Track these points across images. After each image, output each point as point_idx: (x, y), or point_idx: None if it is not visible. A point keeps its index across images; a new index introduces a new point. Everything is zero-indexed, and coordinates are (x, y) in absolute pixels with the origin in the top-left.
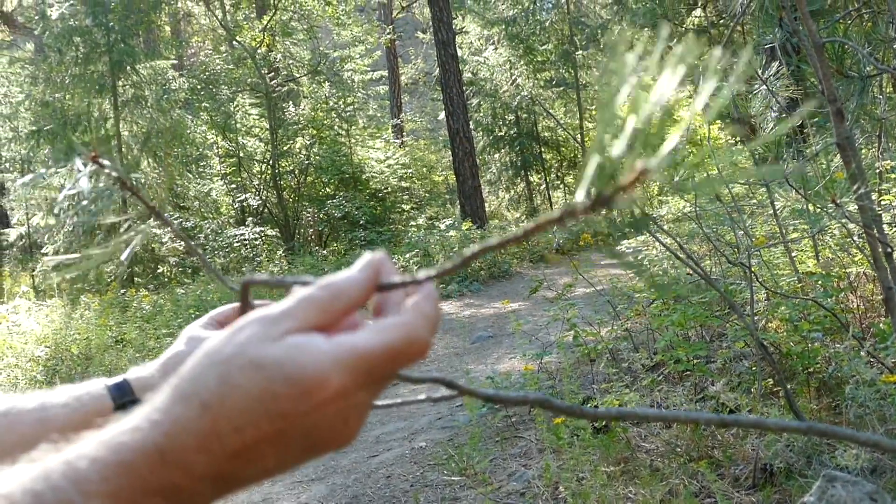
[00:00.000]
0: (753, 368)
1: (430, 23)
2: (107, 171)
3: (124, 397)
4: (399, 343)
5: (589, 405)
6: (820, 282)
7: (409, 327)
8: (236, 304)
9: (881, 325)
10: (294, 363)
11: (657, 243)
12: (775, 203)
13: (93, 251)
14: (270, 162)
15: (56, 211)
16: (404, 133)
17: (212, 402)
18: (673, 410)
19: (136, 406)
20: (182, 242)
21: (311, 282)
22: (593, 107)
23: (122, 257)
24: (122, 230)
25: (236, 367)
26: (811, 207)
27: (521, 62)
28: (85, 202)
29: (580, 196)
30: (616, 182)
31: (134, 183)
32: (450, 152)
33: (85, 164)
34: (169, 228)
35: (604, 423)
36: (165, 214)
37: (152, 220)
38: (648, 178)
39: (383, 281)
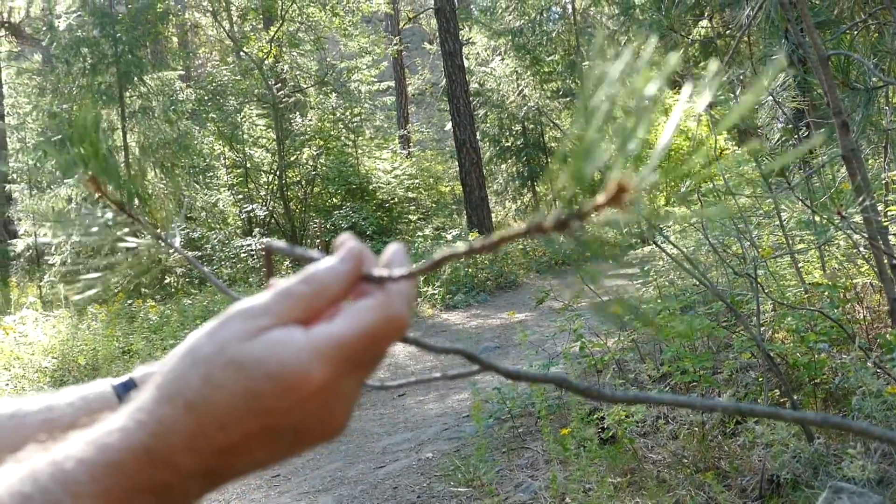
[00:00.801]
0: (760, 379)
1: (437, 34)
2: (108, 199)
3: (130, 394)
4: (377, 324)
5: (595, 416)
6: (826, 293)
7: (385, 306)
8: None
9: (887, 335)
10: (275, 360)
11: (663, 254)
12: (782, 214)
13: (92, 276)
14: (277, 172)
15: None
16: (411, 143)
17: (196, 401)
18: (688, 397)
19: None
20: (189, 253)
21: (321, 258)
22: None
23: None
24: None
25: (218, 367)
26: (817, 218)
27: (528, 73)
28: (86, 228)
29: (553, 213)
30: (590, 199)
31: (138, 203)
32: (456, 163)
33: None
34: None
35: (611, 433)
36: (174, 225)
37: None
38: (630, 197)
39: (364, 271)
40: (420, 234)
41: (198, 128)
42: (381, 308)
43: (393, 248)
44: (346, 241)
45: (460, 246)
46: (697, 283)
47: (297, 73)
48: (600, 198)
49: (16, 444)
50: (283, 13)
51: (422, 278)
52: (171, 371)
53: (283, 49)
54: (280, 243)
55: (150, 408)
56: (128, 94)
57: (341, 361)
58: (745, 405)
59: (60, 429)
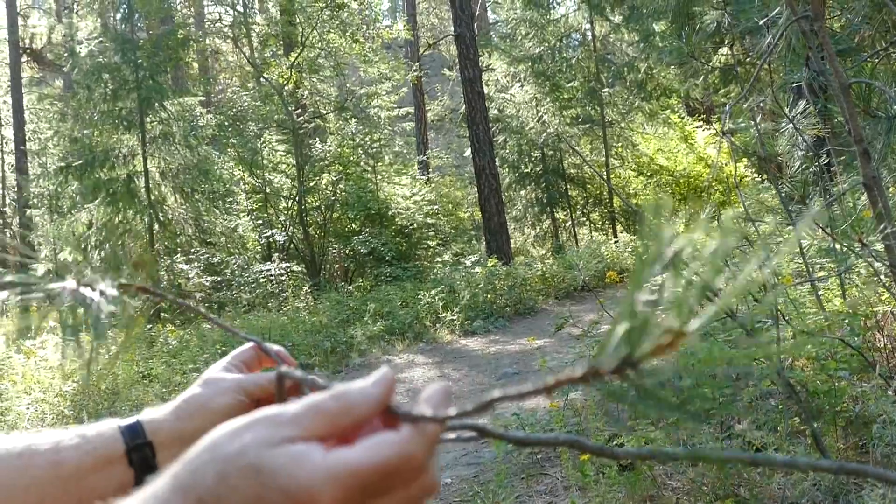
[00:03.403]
0: (780, 407)
1: (457, 60)
2: (156, 298)
3: (136, 440)
4: (393, 461)
5: (615, 443)
6: (847, 321)
7: (405, 445)
8: (253, 345)
9: None
10: (289, 474)
11: None
12: (802, 242)
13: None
14: (297, 198)
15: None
16: (430, 169)
17: (207, 499)
18: (700, 448)
19: (146, 450)
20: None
21: (331, 386)
22: (619, 144)
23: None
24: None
25: (235, 468)
26: (838, 246)
27: (548, 99)
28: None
29: (609, 356)
30: (646, 345)
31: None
32: (476, 189)
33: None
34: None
35: (629, 460)
36: (212, 316)
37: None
38: (682, 343)
39: (393, 402)
40: (439, 259)
41: (218, 153)
42: (400, 446)
43: (435, 388)
44: (382, 368)
45: (511, 390)
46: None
47: (317, 98)
48: (660, 340)
49: (24, 484)
50: (303, 39)
51: (441, 303)
52: (190, 463)
53: (304, 75)
54: (297, 373)
55: (165, 497)
56: (148, 119)
57: (353, 489)
58: (759, 455)
59: (66, 471)
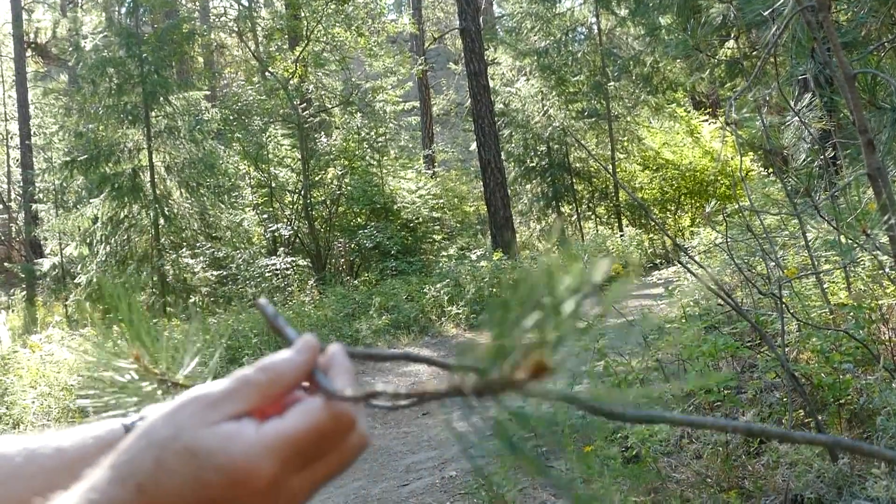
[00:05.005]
0: (784, 399)
1: (462, 54)
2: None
3: None
4: (325, 421)
5: (619, 435)
6: (851, 313)
7: (333, 406)
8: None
9: None
10: (225, 453)
11: (688, 274)
12: (807, 234)
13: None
14: (302, 192)
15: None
16: (436, 163)
17: (147, 485)
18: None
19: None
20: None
21: (294, 338)
22: (625, 138)
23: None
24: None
25: (171, 452)
26: (843, 238)
27: (553, 93)
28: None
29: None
30: (511, 372)
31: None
32: (481, 183)
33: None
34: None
35: (634, 452)
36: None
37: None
38: (548, 375)
39: (318, 365)
40: (444, 253)
41: (223, 147)
42: (329, 405)
43: (334, 349)
44: (305, 335)
45: (388, 387)
46: (722, 302)
47: (322, 92)
48: (520, 373)
49: (34, 487)
50: (308, 33)
51: (446, 297)
52: (127, 452)
53: (309, 69)
54: (269, 308)
55: (103, 488)
56: (153, 113)
57: (290, 457)
58: (755, 426)
59: (70, 455)
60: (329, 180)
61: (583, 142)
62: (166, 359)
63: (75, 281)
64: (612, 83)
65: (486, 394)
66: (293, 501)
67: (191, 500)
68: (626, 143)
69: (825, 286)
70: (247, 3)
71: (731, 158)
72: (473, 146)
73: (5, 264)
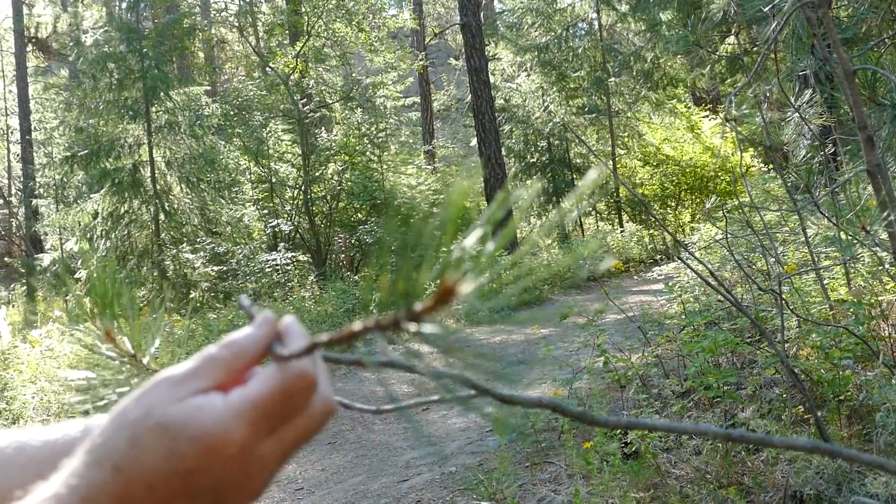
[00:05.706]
0: (784, 395)
1: (463, 49)
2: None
3: None
4: (284, 380)
5: (618, 431)
6: (851, 309)
7: (293, 366)
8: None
9: None
10: (196, 423)
11: (688, 270)
12: (807, 230)
13: None
14: (302, 187)
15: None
16: (436, 159)
17: (123, 464)
18: (680, 423)
19: None
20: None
21: (256, 316)
22: (625, 133)
23: None
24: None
25: (144, 430)
26: (842, 235)
27: (554, 89)
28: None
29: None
30: (423, 301)
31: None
32: (481, 178)
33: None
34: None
35: (634, 448)
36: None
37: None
38: (459, 301)
39: (279, 334)
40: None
41: (223, 143)
42: (288, 367)
43: (288, 320)
44: (264, 312)
45: (323, 336)
46: (722, 298)
47: (323, 88)
48: (429, 301)
49: (24, 477)
50: (309, 29)
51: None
52: (100, 436)
53: (309, 64)
54: (246, 301)
55: (81, 472)
56: (154, 109)
57: (258, 420)
58: (735, 431)
59: (60, 447)
60: (329, 176)
61: (583, 137)
62: (138, 337)
63: (76, 276)
64: (612, 79)
65: (400, 323)
66: (264, 468)
67: (167, 474)
68: (626, 139)
69: (825, 282)
70: None
71: (732, 154)
72: (474, 142)
73: (5, 259)
